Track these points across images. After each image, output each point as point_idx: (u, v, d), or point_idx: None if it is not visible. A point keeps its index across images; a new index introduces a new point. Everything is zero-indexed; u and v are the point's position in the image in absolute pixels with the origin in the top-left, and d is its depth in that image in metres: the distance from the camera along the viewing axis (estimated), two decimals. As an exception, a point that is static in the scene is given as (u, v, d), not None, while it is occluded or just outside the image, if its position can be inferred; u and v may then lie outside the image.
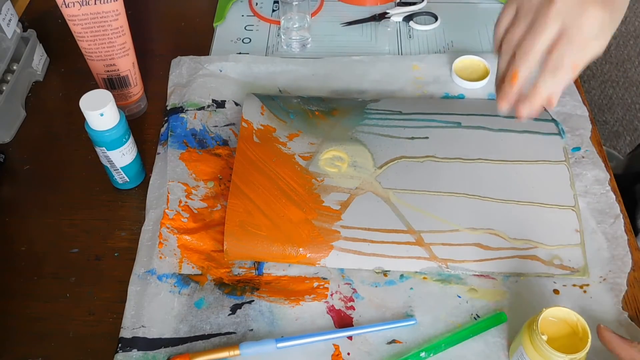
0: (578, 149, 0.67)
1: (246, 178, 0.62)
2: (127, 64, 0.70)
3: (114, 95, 0.59)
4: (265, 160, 0.64)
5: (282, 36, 0.80)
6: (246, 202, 0.60)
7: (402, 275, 0.58)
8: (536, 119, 0.68)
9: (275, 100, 0.70)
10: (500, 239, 0.59)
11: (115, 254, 0.61)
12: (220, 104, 0.72)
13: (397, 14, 0.84)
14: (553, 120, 0.68)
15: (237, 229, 0.59)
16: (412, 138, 0.66)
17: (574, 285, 0.57)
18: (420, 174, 0.63)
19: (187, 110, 0.71)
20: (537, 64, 0.48)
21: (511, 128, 0.67)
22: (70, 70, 0.80)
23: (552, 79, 0.47)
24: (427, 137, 0.66)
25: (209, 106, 0.72)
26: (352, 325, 0.55)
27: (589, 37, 0.47)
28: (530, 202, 0.61)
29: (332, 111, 0.69)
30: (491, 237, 0.59)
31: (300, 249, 0.58)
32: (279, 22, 0.83)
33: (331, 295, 0.57)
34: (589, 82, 1.62)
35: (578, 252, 0.58)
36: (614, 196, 0.63)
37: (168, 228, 0.60)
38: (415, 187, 0.62)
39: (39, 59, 0.78)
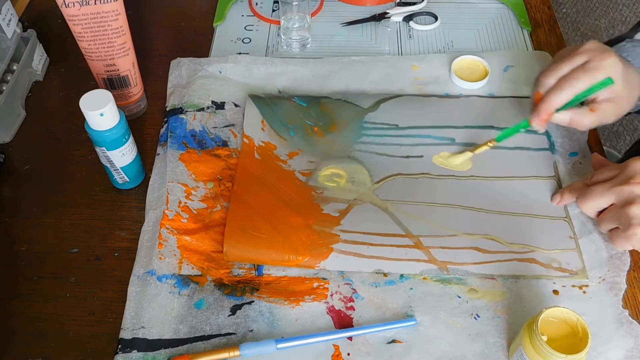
0: (575, 154, 0.67)
1: (247, 187, 0.63)
2: (127, 64, 0.70)
3: (114, 95, 0.59)
4: (266, 176, 0.64)
5: (282, 36, 0.80)
6: (247, 208, 0.61)
7: (402, 276, 0.58)
8: (529, 131, 0.67)
9: (273, 110, 0.70)
10: (497, 244, 0.59)
11: (115, 254, 0.61)
12: (220, 105, 0.72)
13: (397, 14, 0.84)
14: (546, 132, 0.68)
15: (237, 231, 0.59)
16: (408, 157, 0.67)
17: (574, 285, 0.57)
18: (416, 189, 0.64)
19: (186, 111, 0.71)
20: None
21: (503, 145, 0.67)
22: (70, 70, 0.80)
23: None
24: (421, 156, 0.67)
25: (208, 107, 0.72)
26: (352, 326, 0.55)
27: None
28: (523, 214, 0.62)
29: (331, 127, 0.69)
30: (489, 242, 0.59)
31: (300, 251, 0.58)
32: (279, 22, 0.83)
33: (331, 295, 0.57)
34: (588, 82, 1.61)
35: (575, 256, 0.59)
36: (612, 197, 0.63)
37: (168, 229, 0.60)
38: (412, 199, 0.63)
39: (39, 59, 0.78)
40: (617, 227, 0.56)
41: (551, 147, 0.68)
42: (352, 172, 0.66)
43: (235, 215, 0.60)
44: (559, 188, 0.64)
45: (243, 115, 0.71)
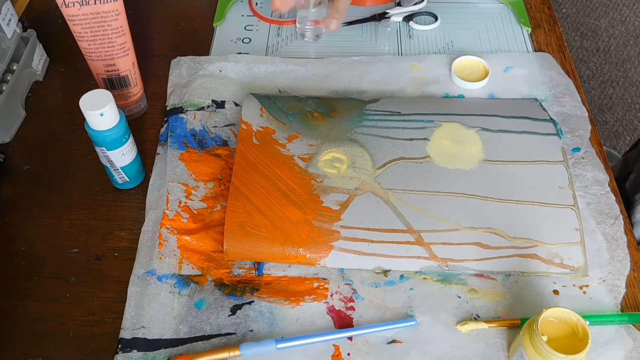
0: (578, 149, 0.67)
1: (246, 180, 0.62)
2: (127, 64, 0.70)
3: (114, 95, 0.59)
4: (264, 162, 0.64)
5: (298, 24, 0.79)
6: (246, 204, 0.60)
7: (402, 276, 0.58)
8: (535, 119, 0.68)
9: (274, 102, 0.70)
10: (500, 238, 0.59)
11: (115, 254, 0.61)
12: (220, 105, 0.72)
13: (397, 14, 0.84)
14: (551, 120, 0.68)
15: (237, 229, 0.59)
16: (411, 139, 0.66)
17: (574, 285, 0.57)
18: (419, 175, 0.63)
19: (186, 110, 0.71)
20: None
21: (510, 129, 0.67)
22: (70, 70, 0.80)
23: None
24: (425, 139, 0.66)
25: (208, 106, 0.72)
26: (352, 326, 0.55)
27: None
28: (529, 202, 0.61)
29: (332, 112, 0.69)
30: (491, 236, 0.59)
31: (300, 249, 0.58)
32: (279, 22, 0.83)
33: (331, 295, 0.57)
34: (589, 82, 1.62)
35: (578, 251, 0.58)
36: (614, 197, 0.63)
37: (168, 229, 0.60)
38: (414, 188, 0.62)
39: (38, 59, 0.78)
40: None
41: (558, 133, 0.67)
42: (353, 156, 0.65)
43: (234, 212, 0.60)
44: (568, 173, 0.63)
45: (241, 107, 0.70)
